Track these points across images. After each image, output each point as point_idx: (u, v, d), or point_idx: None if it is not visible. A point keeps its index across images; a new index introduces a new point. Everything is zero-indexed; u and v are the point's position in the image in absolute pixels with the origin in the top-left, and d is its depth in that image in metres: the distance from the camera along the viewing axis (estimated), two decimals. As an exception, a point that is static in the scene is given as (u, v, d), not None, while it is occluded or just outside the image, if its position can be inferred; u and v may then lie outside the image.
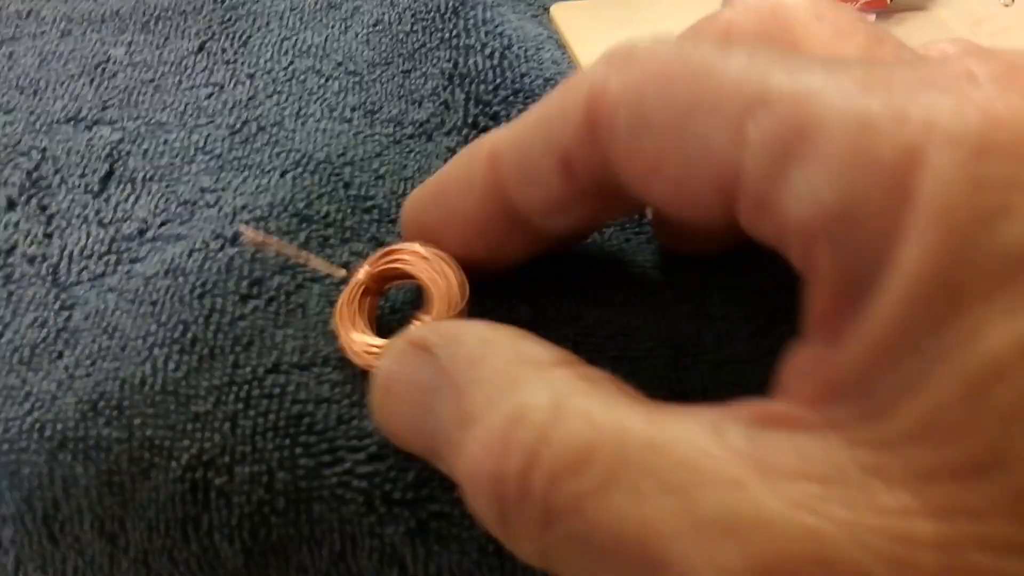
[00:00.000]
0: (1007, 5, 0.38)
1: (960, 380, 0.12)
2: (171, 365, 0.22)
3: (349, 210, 0.27)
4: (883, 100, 0.14)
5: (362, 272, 0.22)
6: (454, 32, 0.33)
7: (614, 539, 0.14)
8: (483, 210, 0.20)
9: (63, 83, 0.33)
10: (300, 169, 0.29)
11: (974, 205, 0.12)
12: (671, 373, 0.23)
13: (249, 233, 0.23)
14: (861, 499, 0.13)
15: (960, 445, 0.12)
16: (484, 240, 0.21)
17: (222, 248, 0.25)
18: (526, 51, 0.33)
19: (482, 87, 0.31)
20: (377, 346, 0.21)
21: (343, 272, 0.23)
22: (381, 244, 0.27)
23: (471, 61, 0.32)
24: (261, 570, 0.22)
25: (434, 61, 0.33)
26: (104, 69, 0.33)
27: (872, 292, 0.14)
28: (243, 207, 0.27)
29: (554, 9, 0.37)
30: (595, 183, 0.18)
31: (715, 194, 0.16)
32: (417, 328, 0.20)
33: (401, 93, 0.32)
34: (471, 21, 0.34)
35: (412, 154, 0.30)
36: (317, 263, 0.23)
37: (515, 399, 0.15)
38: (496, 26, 0.34)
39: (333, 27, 0.36)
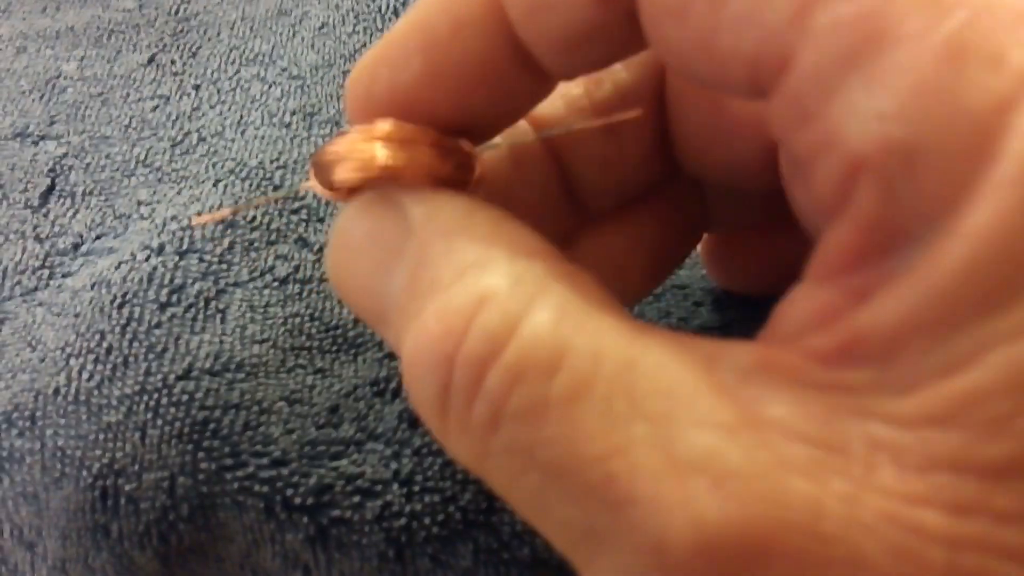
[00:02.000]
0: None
1: (1013, 369, 0.11)
2: (85, 375, 0.23)
3: (276, 212, 0.28)
4: (981, 31, 0.11)
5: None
6: (393, 32, 0.33)
7: (572, 460, 0.12)
8: (481, 54, 0.16)
9: (14, 99, 0.33)
10: (233, 177, 0.29)
11: None
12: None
13: (199, 219, 0.22)
14: (864, 475, 0.11)
15: (998, 441, 0.11)
16: (482, 93, 0.17)
17: (147, 258, 0.26)
18: (465, 48, 0.33)
19: (417, 86, 0.31)
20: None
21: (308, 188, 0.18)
22: (307, 244, 0.27)
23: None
24: (181, 574, 0.22)
25: (374, 62, 0.33)
26: (55, 85, 0.34)
27: (921, 248, 0.12)
28: (173, 217, 0.27)
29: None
30: (630, 11, 0.15)
31: (748, 74, 0.13)
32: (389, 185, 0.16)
33: (341, 93, 0.33)
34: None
35: (347, 156, 0.30)
36: (272, 197, 0.20)
37: (487, 279, 0.13)
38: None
39: (282, 33, 0.36)
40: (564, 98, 0.20)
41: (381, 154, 0.16)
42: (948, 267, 0.11)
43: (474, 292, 0.13)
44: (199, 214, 0.24)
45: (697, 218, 0.22)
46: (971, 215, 0.11)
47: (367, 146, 0.16)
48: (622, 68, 0.20)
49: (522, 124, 0.19)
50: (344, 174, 0.16)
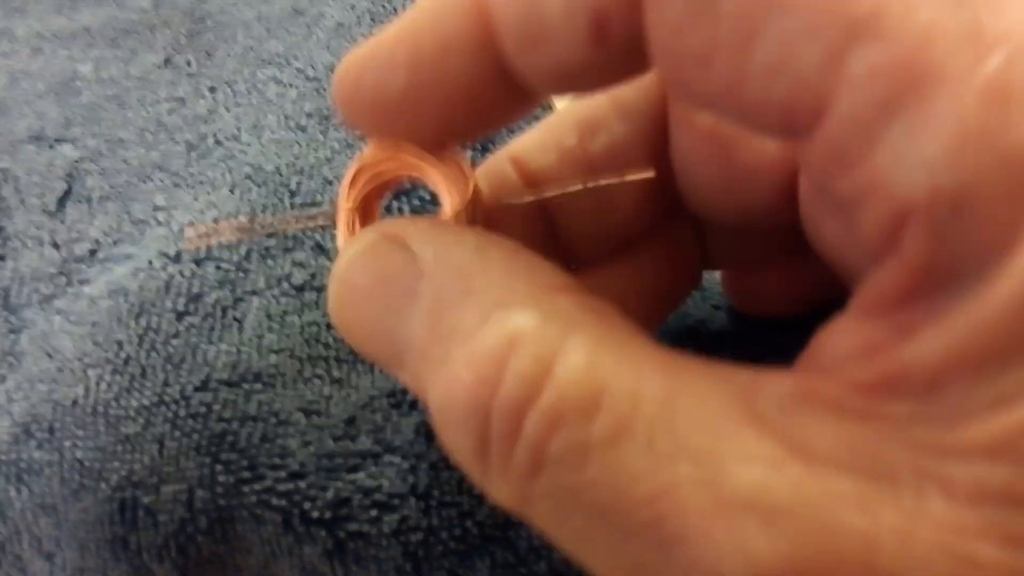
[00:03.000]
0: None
1: None
2: (103, 386, 0.23)
3: (292, 220, 0.28)
4: (1021, 70, 0.11)
5: (343, 212, 0.18)
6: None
7: (618, 501, 0.12)
8: (467, 73, 0.16)
9: (30, 101, 0.33)
10: (249, 182, 0.29)
11: None
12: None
13: (193, 230, 0.21)
14: (915, 506, 0.11)
15: None
16: (467, 109, 0.16)
17: (164, 267, 0.26)
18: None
19: (433, 90, 0.31)
20: None
21: (325, 222, 0.20)
22: (323, 251, 0.27)
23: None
24: (199, 585, 0.22)
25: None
26: (71, 86, 0.34)
27: (969, 287, 0.12)
28: (189, 224, 0.27)
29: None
30: (630, 49, 0.14)
31: (780, 120, 0.13)
32: (393, 221, 0.16)
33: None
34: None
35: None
36: (284, 223, 0.20)
37: (514, 320, 0.13)
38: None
39: (297, 34, 0.36)
40: (558, 150, 0.19)
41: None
42: (997, 305, 0.11)
43: (502, 335, 0.13)
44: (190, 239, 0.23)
45: (695, 257, 0.22)
46: (1020, 256, 0.11)
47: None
48: (617, 119, 0.19)
49: (514, 180, 0.19)
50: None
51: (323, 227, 0.20)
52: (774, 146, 0.18)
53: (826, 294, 0.17)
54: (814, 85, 0.12)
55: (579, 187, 0.19)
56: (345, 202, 0.18)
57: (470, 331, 0.14)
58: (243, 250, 0.26)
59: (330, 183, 0.29)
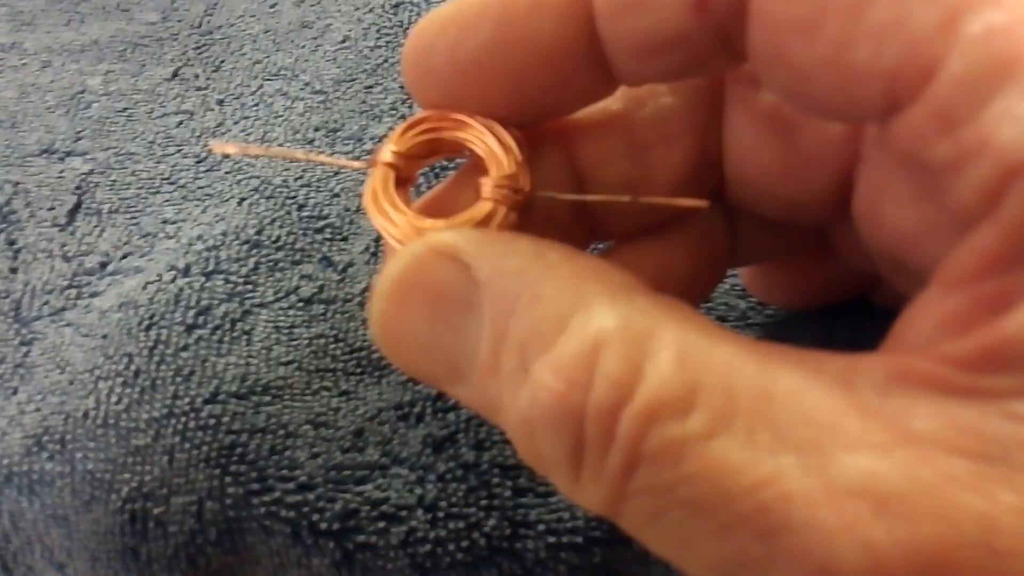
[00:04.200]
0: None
1: None
2: (113, 398, 0.23)
3: (301, 232, 0.28)
4: None
5: (388, 153, 0.17)
6: (415, 47, 0.33)
7: (717, 494, 0.12)
8: (555, 35, 0.15)
9: (39, 115, 0.34)
10: (257, 195, 0.29)
11: None
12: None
13: (220, 147, 0.19)
14: None
15: None
16: (543, 80, 0.16)
17: (173, 279, 0.26)
18: (487, 63, 0.33)
19: (439, 103, 0.31)
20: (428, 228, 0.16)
21: (360, 164, 0.18)
22: (331, 263, 0.27)
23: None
24: (208, 596, 0.23)
25: (394, 75, 0.33)
26: (80, 99, 0.34)
27: None
28: (198, 237, 0.28)
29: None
30: (730, 21, 0.14)
31: (884, 89, 0.13)
32: (439, 232, 0.15)
33: (363, 109, 0.33)
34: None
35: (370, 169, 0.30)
36: (324, 159, 0.19)
37: (595, 324, 0.13)
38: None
39: (304, 47, 0.36)
40: (602, 114, 0.19)
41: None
42: None
43: (586, 340, 0.13)
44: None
45: (725, 249, 0.21)
46: None
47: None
48: (667, 91, 0.19)
49: (557, 163, 0.19)
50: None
51: (358, 170, 0.19)
52: (836, 133, 0.17)
53: (847, 288, 0.17)
54: (927, 46, 0.12)
55: (625, 199, 0.18)
56: (385, 154, 0.17)
57: (549, 338, 0.13)
58: (251, 263, 0.27)
59: (336, 196, 0.29)
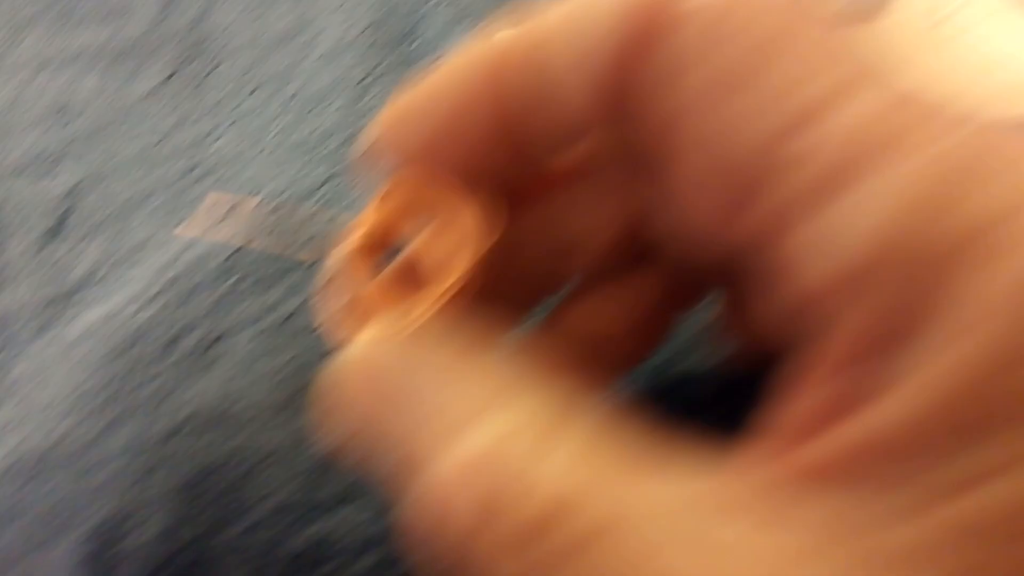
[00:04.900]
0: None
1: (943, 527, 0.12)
2: (83, 428, 0.23)
3: (275, 257, 0.28)
4: (969, 154, 0.12)
5: (368, 218, 0.18)
6: (400, 60, 0.33)
7: None
8: (478, 132, 0.16)
9: (27, 128, 0.34)
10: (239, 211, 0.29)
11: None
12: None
13: (215, 197, 0.20)
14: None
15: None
16: (477, 169, 0.17)
17: (149, 302, 0.26)
18: (475, 74, 0.32)
19: (423, 117, 0.31)
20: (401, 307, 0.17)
21: (318, 254, 0.20)
22: (304, 288, 0.27)
23: (416, 89, 0.32)
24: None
25: (384, 85, 0.33)
26: (69, 110, 0.34)
27: (917, 357, 0.12)
28: (176, 260, 0.27)
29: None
30: (624, 112, 0.15)
31: (740, 176, 0.14)
32: (388, 316, 0.17)
33: (350, 120, 0.32)
34: (417, 48, 0.33)
35: (355, 182, 0.30)
36: (286, 251, 0.20)
37: (500, 422, 0.14)
38: (447, 51, 0.33)
39: (295, 55, 0.36)
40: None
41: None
42: (945, 374, 0.12)
43: (489, 438, 0.14)
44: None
45: (692, 282, 0.21)
46: (944, 351, 0.11)
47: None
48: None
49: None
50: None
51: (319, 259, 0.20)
52: None
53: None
54: (779, 143, 0.13)
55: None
56: (356, 238, 0.18)
57: (456, 431, 0.14)
58: (224, 288, 0.27)
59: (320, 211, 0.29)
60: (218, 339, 0.25)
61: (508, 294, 0.19)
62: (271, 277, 0.27)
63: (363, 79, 0.34)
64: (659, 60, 0.14)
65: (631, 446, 0.14)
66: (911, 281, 0.12)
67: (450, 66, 0.17)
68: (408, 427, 0.15)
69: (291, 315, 0.26)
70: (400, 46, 0.34)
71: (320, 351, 0.25)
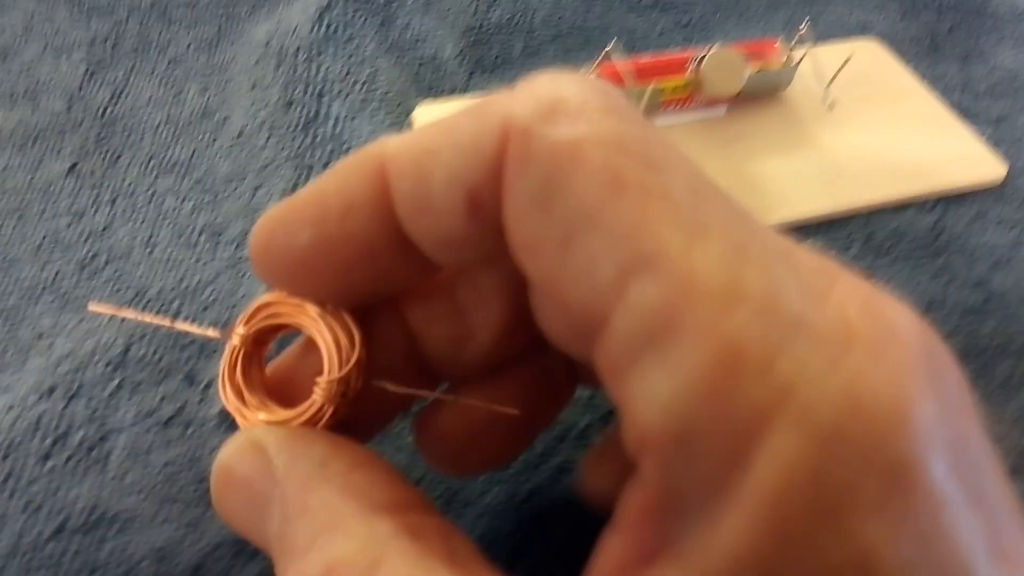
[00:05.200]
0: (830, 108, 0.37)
1: None
2: (-39, 534, 0.24)
3: (168, 347, 0.29)
4: (756, 334, 0.13)
5: (236, 336, 0.20)
6: (301, 148, 0.34)
7: None
8: (367, 234, 0.17)
9: (-67, 218, 0.34)
10: (133, 306, 0.30)
11: (806, 506, 0.12)
12: None
13: (97, 308, 0.22)
14: None
15: None
16: (367, 268, 0.18)
17: (37, 402, 0.27)
18: (370, 165, 0.33)
19: (316, 210, 0.32)
20: (276, 421, 0.19)
21: (215, 335, 0.21)
22: (193, 381, 0.28)
23: (309, 181, 0.33)
24: None
25: (280, 177, 0.34)
26: (-25, 199, 0.35)
27: (698, 525, 0.13)
28: (67, 355, 0.28)
29: (418, 111, 0.37)
30: (498, 226, 0.16)
31: (582, 316, 0.15)
32: (259, 428, 0.18)
33: (247, 211, 0.33)
34: (319, 137, 0.34)
35: (245, 277, 0.31)
36: (184, 327, 0.21)
37: (335, 547, 0.15)
38: (342, 142, 0.34)
39: (202, 139, 0.37)
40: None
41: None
42: (722, 546, 0.13)
43: (321, 562, 0.15)
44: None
45: (566, 379, 0.22)
46: (723, 531, 0.12)
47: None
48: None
49: (397, 340, 0.20)
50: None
51: (211, 338, 0.22)
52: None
53: None
54: (603, 298, 0.14)
55: (449, 398, 0.21)
56: (234, 338, 0.20)
57: (301, 551, 0.15)
58: (114, 384, 0.27)
59: (208, 308, 0.30)
60: (101, 440, 0.26)
61: (405, 378, 0.20)
62: (154, 378, 0.28)
63: (265, 166, 0.35)
64: (517, 188, 0.15)
65: (458, 567, 0.15)
66: (698, 455, 0.13)
67: (338, 168, 0.18)
68: (265, 532, 0.17)
69: (172, 416, 0.27)
70: (302, 134, 0.35)
71: (201, 450, 0.26)
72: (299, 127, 0.35)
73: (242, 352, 0.20)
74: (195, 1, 0.45)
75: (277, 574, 0.16)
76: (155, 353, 0.28)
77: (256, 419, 0.19)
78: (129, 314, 0.24)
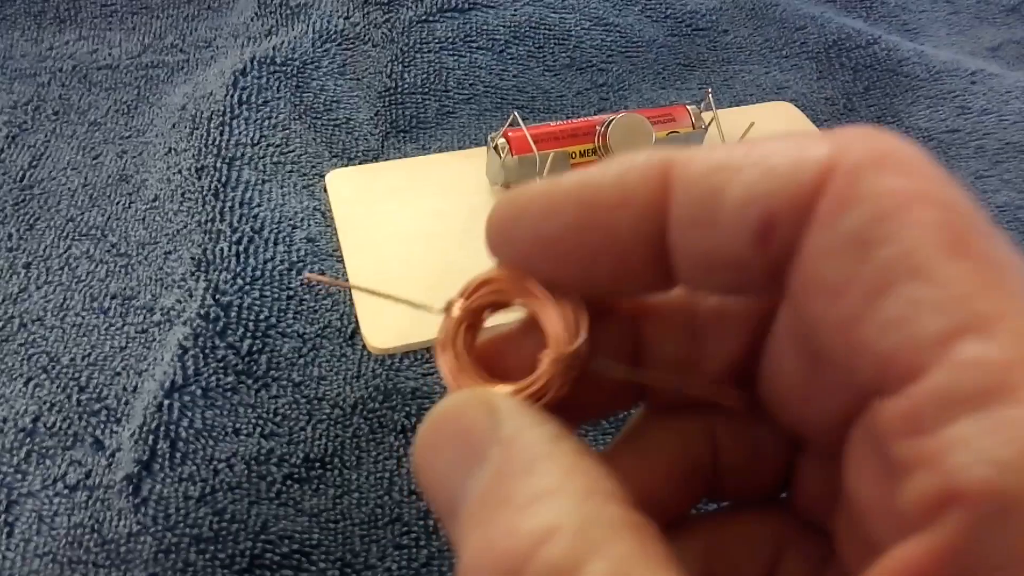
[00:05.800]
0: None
1: None
2: None
3: (77, 416, 0.30)
4: None
5: (457, 308, 0.20)
6: (210, 215, 0.36)
7: None
8: (630, 231, 0.17)
9: None
10: (44, 375, 0.31)
11: None
12: None
13: (312, 277, 0.21)
14: None
15: None
16: (611, 264, 0.17)
17: (-53, 470, 0.28)
18: (278, 233, 0.35)
19: (222, 275, 0.33)
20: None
21: (435, 310, 0.20)
22: (102, 447, 0.29)
23: (218, 247, 0.34)
24: None
25: (189, 244, 0.36)
26: None
27: None
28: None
29: (330, 176, 0.38)
30: (783, 260, 0.15)
31: (874, 367, 0.14)
32: (489, 390, 0.18)
33: (158, 276, 0.35)
34: (228, 204, 0.36)
35: (154, 344, 0.33)
36: (405, 300, 0.21)
37: (559, 512, 0.14)
38: (252, 208, 0.36)
39: (118, 203, 0.39)
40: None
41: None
42: None
43: (544, 522, 0.14)
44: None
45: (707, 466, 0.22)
46: None
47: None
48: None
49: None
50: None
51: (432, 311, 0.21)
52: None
53: None
54: (921, 352, 0.14)
55: (673, 386, 0.20)
56: (455, 310, 0.19)
57: (520, 506, 0.15)
58: (24, 451, 0.29)
59: (118, 375, 0.31)
60: (9, 506, 0.27)
61: (615, 385, 0.20)
62: (62, 444, 0.29)
63: (177, 232, 0.36)
64: (834, 225, 0.14)
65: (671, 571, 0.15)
66: (1019, 519, 0.13)
67: (614, 162, 0.17)
68: (465, 484, 0.16)
69: (77, 483, 0.28)
70: (213, 200, 0.37)
71: (106, 513, 0.28)
72: (210, 192, 0.37)
73: (463, 325, 0.20)
74: (116, 63, 0.47)
75: (462, 528, 0.16)
76: (65, 420, 0.30)
77: (471, 379, 0.19)
78: (345, 285, 0.23)
